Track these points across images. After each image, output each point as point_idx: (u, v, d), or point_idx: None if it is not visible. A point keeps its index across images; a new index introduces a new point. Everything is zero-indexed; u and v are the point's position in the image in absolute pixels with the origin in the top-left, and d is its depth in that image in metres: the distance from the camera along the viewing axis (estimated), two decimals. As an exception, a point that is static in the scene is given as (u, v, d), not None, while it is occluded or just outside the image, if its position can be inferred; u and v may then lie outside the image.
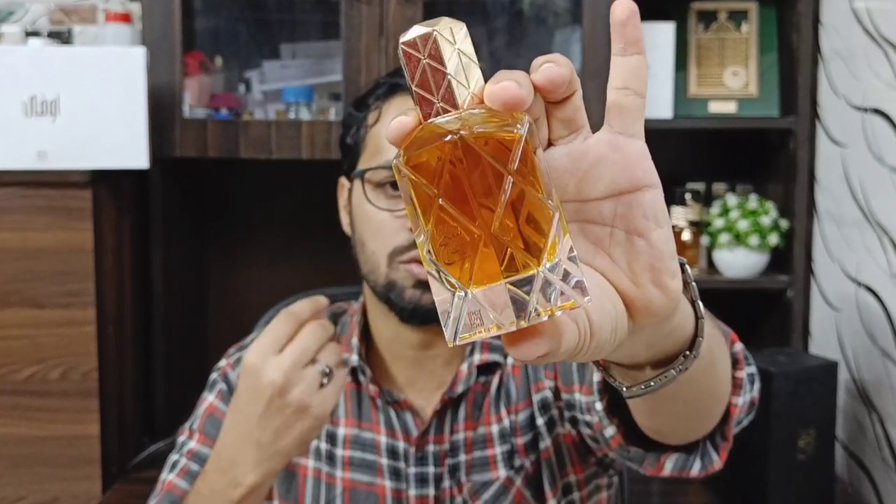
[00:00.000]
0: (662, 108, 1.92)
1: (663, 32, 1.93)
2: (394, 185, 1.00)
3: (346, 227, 1.11)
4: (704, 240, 1.97)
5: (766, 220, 1.89)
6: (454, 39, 0.44)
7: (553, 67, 0.45)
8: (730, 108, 1.99)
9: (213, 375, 1.12)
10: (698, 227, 1.98)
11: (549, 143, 0.48)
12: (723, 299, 2.14)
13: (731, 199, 1.94)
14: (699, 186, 2.05)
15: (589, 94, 1.75)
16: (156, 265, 1.84)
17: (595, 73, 1.75)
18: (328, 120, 1.82)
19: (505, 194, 0.41)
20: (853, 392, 1.75)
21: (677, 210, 1.98)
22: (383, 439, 1.06)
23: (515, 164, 0.41)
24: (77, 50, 1.71)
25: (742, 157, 2.13)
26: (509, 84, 0.42)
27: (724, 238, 1.90)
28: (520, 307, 0.41)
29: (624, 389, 0.60)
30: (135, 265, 1.80)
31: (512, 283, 0.41)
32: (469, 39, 0.44)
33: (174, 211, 1.90)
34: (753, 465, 1.65)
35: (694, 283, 0.56)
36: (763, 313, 2.06)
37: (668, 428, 0.76)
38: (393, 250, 1.00)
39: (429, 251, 0.42)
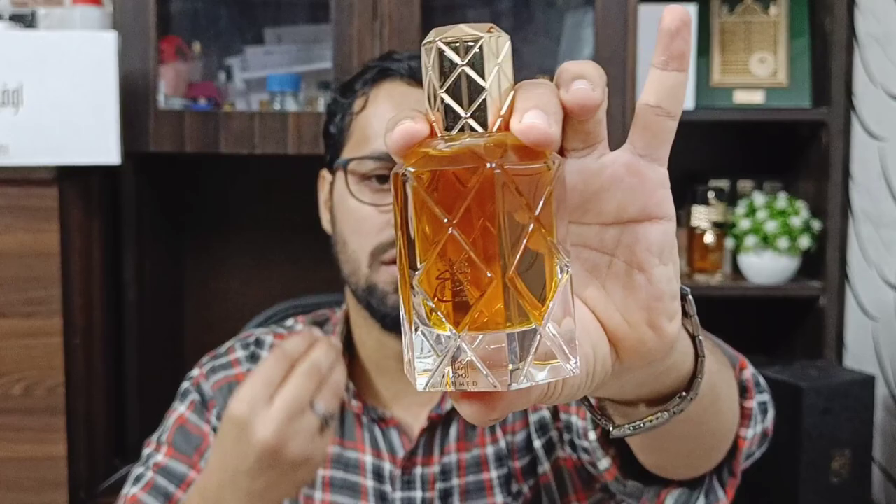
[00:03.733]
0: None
1: (684, 15, 1.93)
2: (380, 178, 1.00)
3: (325, 225, 1.11)
4: (729, 242, 1.97)
5: (796, 221, 1.88)
6: (498, 51, 0.43)
7: (586, 90, 0.43)
8: (757, 98, 1.99)
9: (185, 385, 1.12)
10: (722, 228, 1.98)
11: (561, 152, 0.47)
12: (748, 308, 2.15)
13: (759, 198, 1.94)
14: (723, 184, 2.05)
15: (602, 82, 1.75)
16: (128, 270, 1.83)
17: (608, 61, 1.75)
18: (317, 111, 1.82)
19: (524, 239, 0.40)
20: (892, 409, 1.74)
21: (699, 210, 1.98)
22: (369, 459, 1.06)
23: (540, 208, 0.41)
24: (41, 34, 1.71)
25: (770, 152, 2.13)
26: (538, 123, 0.41)
27: (750, 241, 1.90)
28: (510, 364, 0.40)
29: (611, 428, 0.59)
30: (105, 270, 1.80)
31: (510, 336, 0.40)
32: (511, 55, 0.43)
33: (148, 211, 1.90)
34: (783, 489, 1.65)
35: (696, 317, 0.56)
36: (793, 323, 2.06)
37: (668, 465, 0.76)
38: (375, 248, 1.00)
39: (420, 281, 0.41)
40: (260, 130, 1.77)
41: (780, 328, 2.11)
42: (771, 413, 0.85)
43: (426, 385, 0.41)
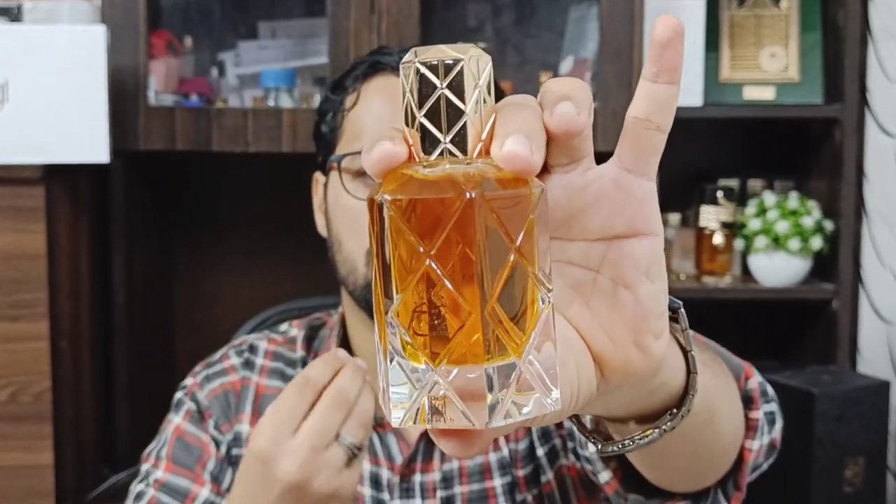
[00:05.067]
0: (691, 94, 1.92)
1: (692, 8, 1.93)
2: None
3: (321, 229, 1.11)
4: (739, 243, 1.97)
5: (808, 222, 1.88)
6: (478, 74, 0.43)
7: (571, 115, 0.43)
8: (767, 94, 1.99)
9: (179, 395, 1.12)
10: (732, 229, 1.98)
11: (545, 169, 0.47)
12: (759, 311, 2.15)
13: (769, 198, 1.94)
14: (733, 183, 2.05)
15: (606, 78, 1.75)
16: (117, 272, 1.83)
17: (613, 57, 1.75)
18: (312, 108, 1.81)
19: (505, 271, 0.40)
20: (907, 416, 1.74)
21: (708, 210, 1.98)
22: (366, 466, 1.06)
23: (521, 239, 0.41)
24: (28, 28, 1.71)
25: (781, 150, 2.13)
26: (520, 150, 0.41)
27: (760, 242, 1.90)
28: (489, 400, 0.40)
29: (599, 446, 0.59)
30: (93, 272, 1.80)
31: (489, 370, 0.40)
32: (492, 76, 0.43)
33: (138, 211, 1.90)
34: (794, 498, 1.65)
35: (690, 332, 0.56)
36: (804, 327, 2.06)
37: (669, 479, 0.76)
38: None
39: (396, 314, 0.41)
40: (253, 128, 1.77)
41: (791, 332, 2.11)
42: (779, 424, 0.85)
43: (402, 420, 0.41)
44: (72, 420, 1.69)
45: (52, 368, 1.62)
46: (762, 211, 1.93)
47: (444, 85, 0.42)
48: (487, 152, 0.42)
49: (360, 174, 1.01)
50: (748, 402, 0.80)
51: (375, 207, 0.41)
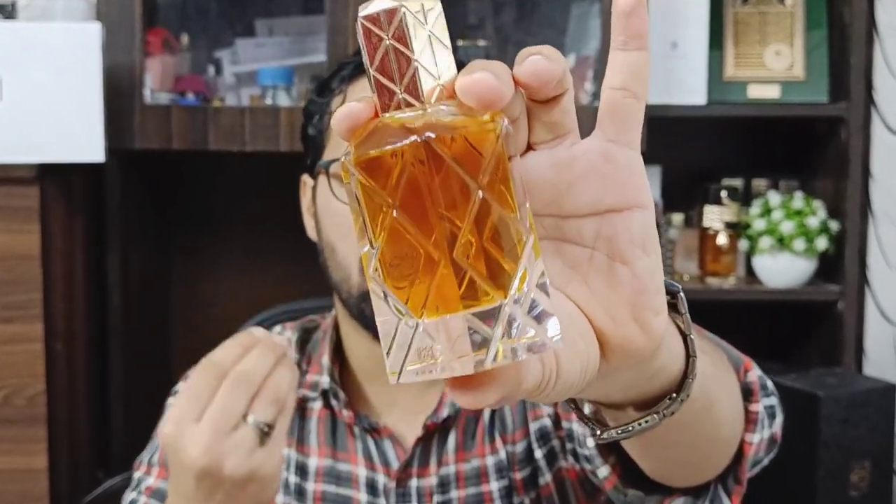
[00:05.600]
0: (694, 92, 1.92)
1: (695, 5, 1.93)
2: None
3: (310, 233, 1.11)
4: (743, 244, 1.97)
5: (813, 222, 1.88)
6: (426, 20, 0.43)
7: (541, 60, 0.44)
8: (772, 92, 1.99)
9: (170, 401, 1.12)
10: (736, 229, 1.98)
11: (530, 147, 0.48)
12: (763, 313, 2.15)
13: (774, 198, 1.94)
14: (737, 183, 2.05)
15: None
16: (112, 272, 1.83)
17: (617, 53, 1.75)
18: (310, 106, 1.82)
19: (472, 212, 0.40)
20: (914, 419, 1.75)
21: (712, 210, 1.98)
22: (362, 471, 1.06)
23: (486, 175, 0.40)
24: (22, 26, 1.71)
25: (786, 149, 2.13)
26: (485, 76, 0.41)
27: (765, 242, 1.90)
28: (479, 345, 0.40)
29: (597, 433, 0.59)
30: (88, 273, 1.80)
31: (472, 316, 0.40)
32: (443, 20, 0.43)
33: (133, 210, 1.90)
34: (800, 502, 1.65)
35: (688, 315, 0.56)
36: (810, 329, 2.06)
37: (668, 472, 0.76)
38: None
39: (376, 269, 0.41)
40: (251, 127, 1.77)
41: (796, 334, 2.11)
42: (779, 418, 0.85)
43: (397, 380, 0.41)
44: (66, 423, 1.69)
45: (47, 371, 1.62)
46: (767, 211, 1.93)
47: (390, 36, 0.42)
48: (452, 96, 0.42)
49: None
50: (748, 394, 0.80)
51: (343, 172, 0.42)
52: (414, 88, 0.43)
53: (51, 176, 1.63)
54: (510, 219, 0.41)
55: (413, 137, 0.40)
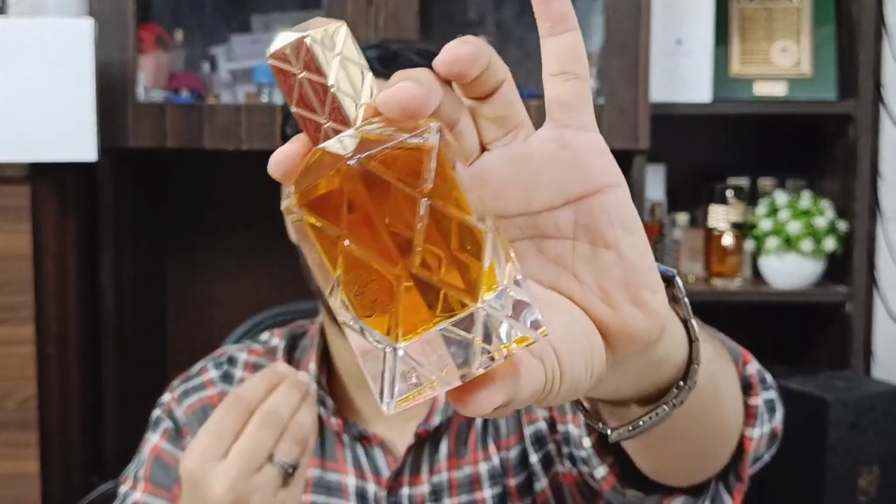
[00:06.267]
0: (699, 90, 1.92)
1: (700, 1, 1.92)
2: None
3: (292, 236, 1.11)
4: (749, 244, 1.97)
5: (821, 222, 1.88)
6: (333, 44, 0.43)
7: (454, 43, 0.43)
8: (778, 90, 1.99)
9: (157, 412, 1.11)
10: (742, 229, 1.98)
11: (483, 149, 0.47)
12: (770, 314, 2.14)
13: (781, 197, 1.94)
14: (743, 182, 2.05)
15: (612, 73, 1.74)
16: (105, 273, 1.83)
17: (620, 50, 1.74)
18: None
19: (422, 223, 0.40)
20: (924, 423, 1.74)
21: (717, 210, 1.98)
22: (351, 481, 1.06)
23: (428, 183, 0.40)
24: (12, 21, 1.71)
25: (793, 148, 2.13)
26: (404, 85, 0.41)
27: (771, 242, 1.90)
28: (463, 354, 0.40)
29: (609, 432, 0.59)
30: (81, 274, 1.79)
31: (450, 327, 0.40)
32: (351, 39, 0.43)
33: (127, 210, 1.89)
34: (807, 509, 1.65)
35: (686, 300, 0.55)
36: (817, 330, 2.06)
37: (669, 470, 0.75)
38: None
39: (342, 302, 0.41)
40: (246, 124, 1.77)
41: (803, 336, 2.11)
42: (779, 412, 0.84)
43: (391, 408, 0.41)
44: (58, 427, 1.69)
45: (38, 374, 1.62)
46: (773, 211, 1.93)
47: (301, 68, 0.42)
48: (378, 113, 0.42)
49: None
50: (747, 388, 0.79)
51: (286, 214, 0.41)
52: (338, 115, 0.43)
53: (42, 175, 1.63)
54: (464, 221, 0.40)
55: (345, 163, 0.39)
